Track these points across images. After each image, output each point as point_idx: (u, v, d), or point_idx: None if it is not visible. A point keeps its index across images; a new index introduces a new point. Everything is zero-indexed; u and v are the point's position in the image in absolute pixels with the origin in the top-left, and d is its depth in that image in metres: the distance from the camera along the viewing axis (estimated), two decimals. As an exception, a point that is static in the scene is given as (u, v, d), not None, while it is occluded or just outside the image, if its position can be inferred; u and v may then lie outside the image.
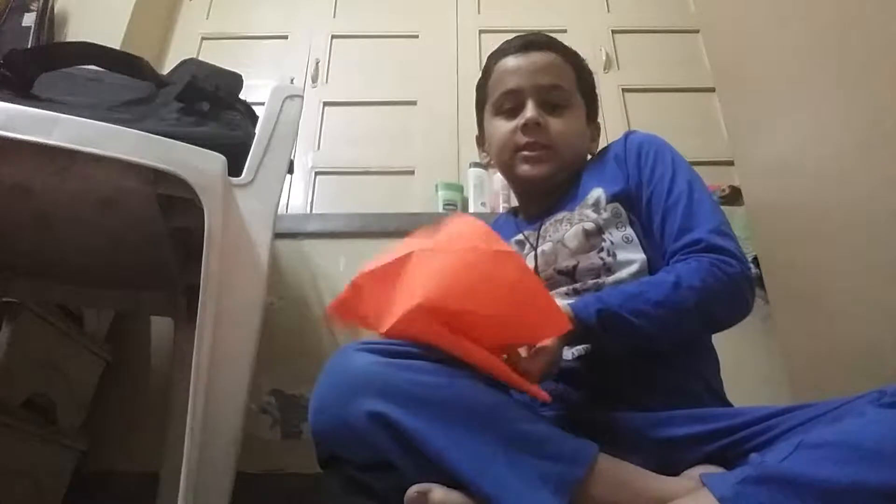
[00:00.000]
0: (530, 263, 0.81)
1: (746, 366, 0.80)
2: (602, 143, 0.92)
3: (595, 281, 0.76)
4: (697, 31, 1.85)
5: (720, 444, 0.61)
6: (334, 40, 1.92)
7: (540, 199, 0.89)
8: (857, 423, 0.48)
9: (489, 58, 0.94)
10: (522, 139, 0.84)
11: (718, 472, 0.56)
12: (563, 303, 0.68)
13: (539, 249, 0.82)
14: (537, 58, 0.88)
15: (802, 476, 0.45)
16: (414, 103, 1.77)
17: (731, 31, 1.59)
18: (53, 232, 0.97)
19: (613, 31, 1.88)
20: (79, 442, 1.22)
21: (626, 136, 0.85)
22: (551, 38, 0.91)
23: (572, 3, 1.95)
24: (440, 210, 1.56)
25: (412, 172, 1.71)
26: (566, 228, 0.80)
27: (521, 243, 0.87)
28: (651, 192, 0.78)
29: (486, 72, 0.93)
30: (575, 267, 0.77)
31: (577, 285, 0.77)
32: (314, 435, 0.61)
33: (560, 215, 0.84)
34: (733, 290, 0.70)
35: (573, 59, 0.91)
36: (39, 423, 1.13)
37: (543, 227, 0.85)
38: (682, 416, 0.64)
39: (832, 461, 0.45)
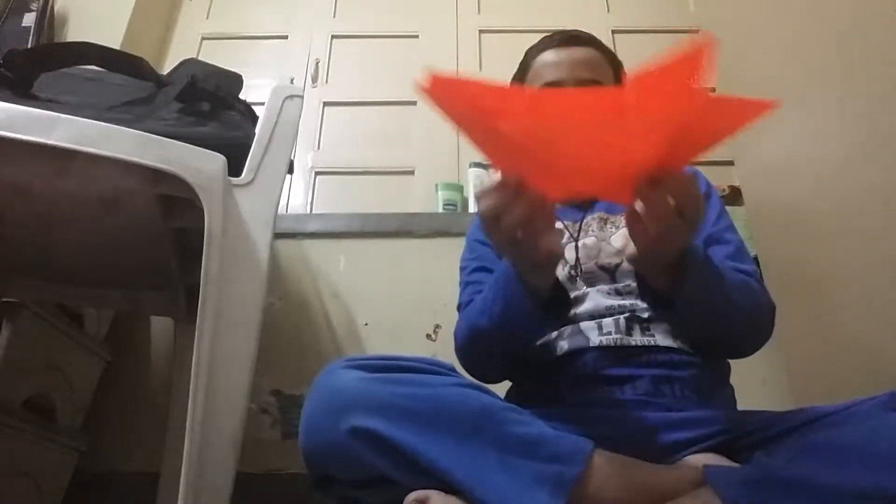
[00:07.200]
0: (571, 254, 0.82)
1: (745, 367, 0.80)
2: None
3: (636, 283, 0.77)
4: (697, 31, 1.85)
5: (723, 437, 0.61)
6: (334, 40, 1.92)
7: None
8: (869, 428, 0.47)
9: (527, 53, 0.94)
10: None
11: (721, 466, 0.55)
12: None
13: (580, 242, 0.83)
14: (578, 52, 0.88)
15: (811, 479, 0.44)
16: (414, 104, 1.77)
17: (731, 31, 1.59)
18: (53, 232, 0.97)
19: (613, 31, 1.88)
20: (79, 442, 1.22)
21: (695, 172, 0.86)
22: (592, 35, 0.92)
23: (572, 3, 1.94)
24: (440, 210, 1.55)
25: (412, 172, 1.71)
26: (611, 230, 0.83)
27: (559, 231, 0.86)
28: (708, 233, 0.82)
29: (524, 66, 0.93)
30: (618, 266, 0.79)
31: (619, 286, 0.78)
32: (305, 456, 0.60)
33: (604, 214, 0.85)
34: (769, 319, 0.76)
35: (612, 59, 0.92)
36: (39, 423, 1.12)
37: (585, 221, 0.86)
38: (688, 418, 0.64)
39: (844, 466, 0.44)
